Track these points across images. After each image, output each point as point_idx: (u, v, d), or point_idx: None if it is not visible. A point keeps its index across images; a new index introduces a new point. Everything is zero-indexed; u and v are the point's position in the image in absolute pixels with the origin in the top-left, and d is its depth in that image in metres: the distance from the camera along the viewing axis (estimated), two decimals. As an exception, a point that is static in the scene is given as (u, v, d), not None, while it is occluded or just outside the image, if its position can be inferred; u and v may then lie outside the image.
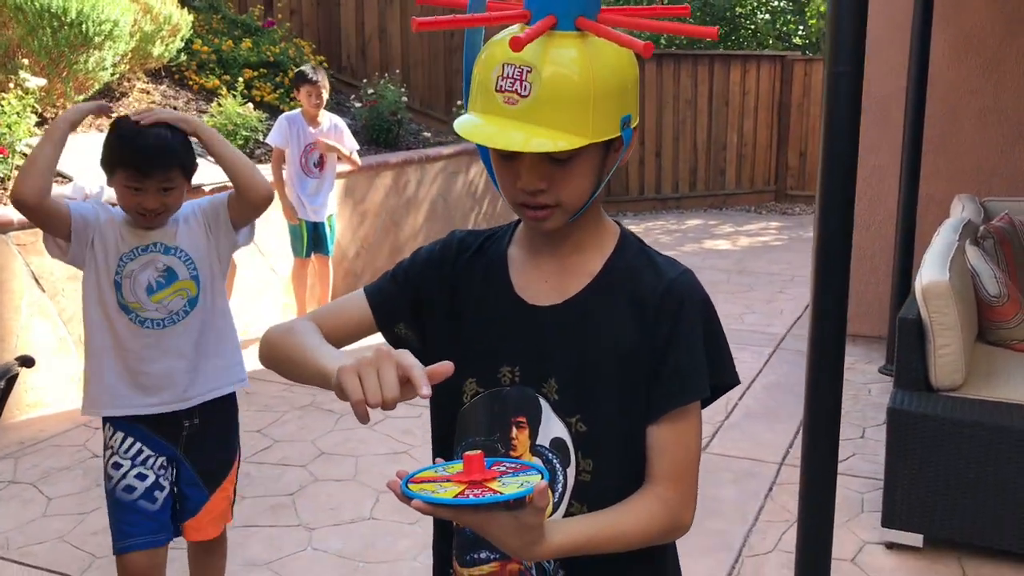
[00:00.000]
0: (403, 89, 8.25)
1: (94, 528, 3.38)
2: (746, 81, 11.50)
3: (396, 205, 7.33)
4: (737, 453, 4.03)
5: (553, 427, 1.26)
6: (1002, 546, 3.08)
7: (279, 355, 1.30)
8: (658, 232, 9.70)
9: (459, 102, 9.66)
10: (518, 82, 1.12)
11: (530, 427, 1.27)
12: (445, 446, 1.32)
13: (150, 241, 2.31)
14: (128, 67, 6.45)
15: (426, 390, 1.03)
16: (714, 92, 11.42)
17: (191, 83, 7.16)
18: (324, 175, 5.64)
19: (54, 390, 4.57)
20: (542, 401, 1.26)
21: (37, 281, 4.45)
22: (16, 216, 4.33)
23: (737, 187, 11.80)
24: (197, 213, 2.38)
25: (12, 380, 2.10)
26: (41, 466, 3.92)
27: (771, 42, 14.88)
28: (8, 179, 4.91)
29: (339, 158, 5.67)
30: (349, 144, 5.72)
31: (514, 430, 1.27)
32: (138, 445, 2.33)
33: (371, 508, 3.57)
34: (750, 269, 7.85)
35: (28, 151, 5.23)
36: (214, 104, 6.62)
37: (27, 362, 2.13)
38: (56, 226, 2.24)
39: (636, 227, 10.08)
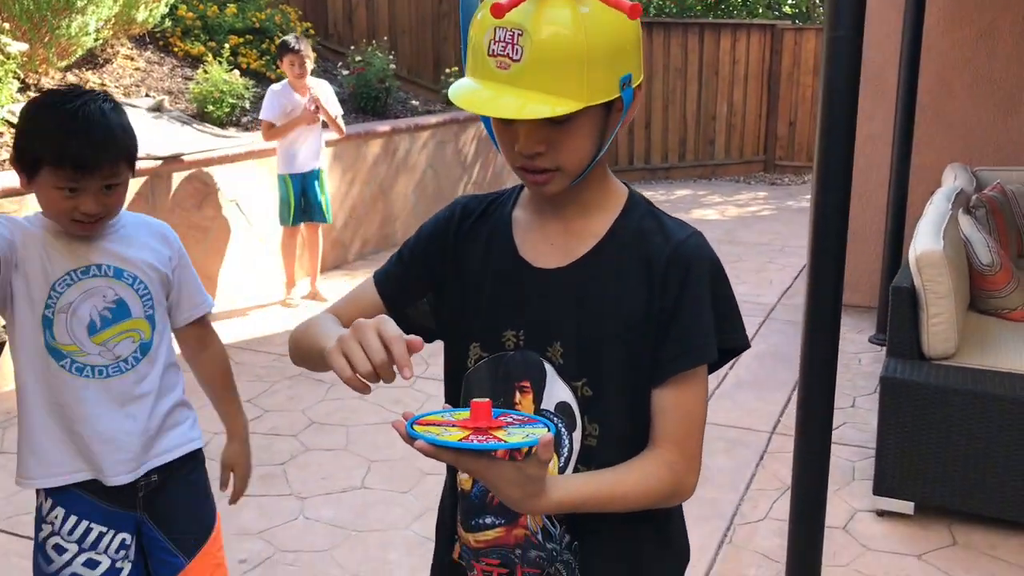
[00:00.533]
0: (391, 56, 8.16)
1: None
2: (736, 50, 11.43)
3: (385, 174, 7.27)
4: (728, 422, 4.04)
5: (558, 391, 1.24)
6: (992, 513, 3.10)
7: (300, 352, 1.30)
8: (647, 202, 9.66)
9: (447, 70, 9.58)
10: (510, 46, 1.09)
11: (534, 392, 1.25)
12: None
13: (92, 261, 1.79)
14: (112, 33, 6.35)
15: (408, 372, 1.01)
16: (704, 61, 11.35)
17: (176, 49, 7.06)
18: (313, 127, 5.57)
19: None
20: (547, 365, 1.25)
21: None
22: (1, 185, 4.27)
23: (726, 157, 11.77)
24: (172, 258, 1.92)
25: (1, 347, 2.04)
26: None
27: (761, 11, 14.79)
28: (-9, 146, 4.83)
29: (324, 123, 5.63)
30: (334, 109, 5.65)
31: (518, 395, 1.26)
32: (84, 524, 1.85)
33: (363, 477, 3.57)
34: (739, 239, 7.84)
35: (11, 118, 5.15)
36: (200, 71, 6.53)
37: (14, 330, 2.08)
38: None
39: (625, 197, 10.05)
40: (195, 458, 2.01)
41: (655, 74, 11.11)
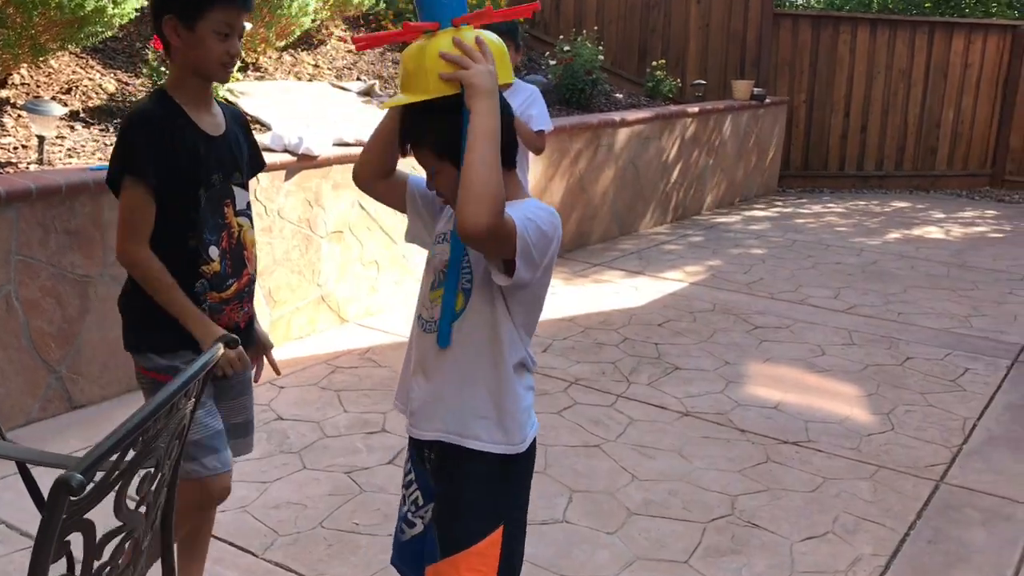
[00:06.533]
0: (600, 47, 7.83)
1: (276, 501, 3.23)
2: (970, 52, 10.43)
3: (586, 169, 6.96)
4: (982, 488, 3.49)
5: None
6: None
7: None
8: (860, 214, 8.93)
9: (653, 63, 9.15)
10: None
11: None
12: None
13: (446, 227, 1.88)
14: (328, 14, 6.33)
15: None
16: (932, 63, 10.42)
17: (387, 33, 7.00)
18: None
19: (241, 343, 4.48)
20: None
21: (232, 232, 4.35)
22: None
23: (948, 169, 10.80)
24: None
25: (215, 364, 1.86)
26: (226, 424, 3.81)
27: (997, 8, 13.49)
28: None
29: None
30: (537, 122, 4.38)
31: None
32: (408, 464, 1.98)
33: (564, 509, 3.27)
34: (971, 263, 7.06)
35: (231, 96, 5.15)
36: (410, 55, 6.40)
37: (231, 343, 1.90)
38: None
39: (836, 206, 9.34)
40: (481, 458, 1.83)
41: (876, 75, 10.29)
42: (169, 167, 2.08)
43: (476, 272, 1.77)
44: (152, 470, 1.66)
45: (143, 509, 1.64)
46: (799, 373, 4.62)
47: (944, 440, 3.89)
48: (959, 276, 6.64)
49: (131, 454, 1.51)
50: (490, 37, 1.69)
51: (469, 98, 1.61)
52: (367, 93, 6.00)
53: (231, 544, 2.96)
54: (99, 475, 1.42)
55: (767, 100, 9.35)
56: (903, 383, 4.52)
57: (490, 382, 1.80)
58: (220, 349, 1.77)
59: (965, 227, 8.60)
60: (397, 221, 5.29)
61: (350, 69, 6.47)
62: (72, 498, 1.35)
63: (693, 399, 4.23)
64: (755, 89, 9.15)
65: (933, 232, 8.29)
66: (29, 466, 2.09)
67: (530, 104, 4.37)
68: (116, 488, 1.50)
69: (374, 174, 1.91)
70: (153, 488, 1.67)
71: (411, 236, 2.00)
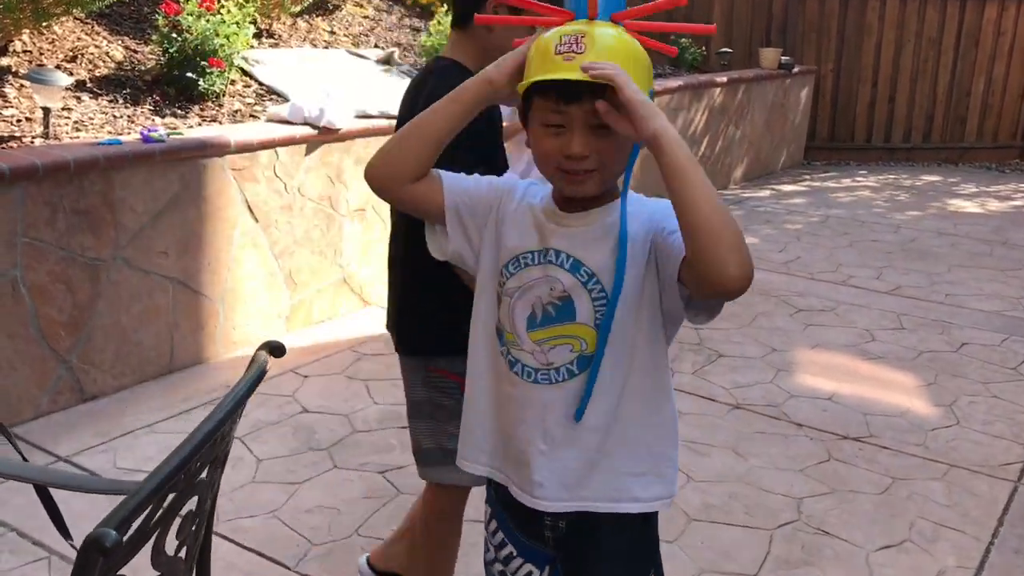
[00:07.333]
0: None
1: (307, 504, 2.99)
2: (1003, 20, 10.05)
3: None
4: (1064, 489, 3.24)
5: None
6: None
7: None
8: (891, 188, 8.63)
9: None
10: (574, 44, 1.37)
11: None
12: None
13: (554, 243, 1.48)
14: (345, -23, 6.01)
15: None
16: (964, 30, 10.05)
17: (406, -2, 6.68)
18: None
19: (261, 328, 4.23)
20: None
21: (251, 210, 4.09)
22: (235, 138, 3.95)
23: (978, 140, 10.45)
24: (646, 226, 1.46)
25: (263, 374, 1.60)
26: (249, 417, 3.56)
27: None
28: (224, 94, 4.56)
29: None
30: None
31: None
32: (500, 534, 1.64)
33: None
34: (1013, 241, 6.77)
35: (245, 65, 4.87)
36: (433, 22, 6.09)
37: (277, 351, 1.64)
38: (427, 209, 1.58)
39: (867, 180, 9.03)
40: (636, 521, 1.55)
41: (905, 43, 9.94)
42: None
43: (631, 301, 1.43)
44: (194, 508, 1.41)
45: (183, 552, 1.40)
46: (850, 360, 4.36)
47: (1014, 436, 3.64)
48: (1003, 255, 6.36)
49: (172, 496, 1.27)
50: (635, 51, 1.42)
51: (650, 141, 1.32)
52: (386, 61, 5.70)
53: (262, 555, 2.72)
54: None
55: (795, 69, 9.01)
56: (962, 371, 4.26)
57: (648, 431, 1.50)
58: (267, 363, 1.52)
59: (1001, 202, 8.30)
60: (422, 198, 5.00)
61: (367, 36, 6.16)
62: (104, 558, 1.10)
63: (742, 390, 3.98)
64: (783, 58, 8.81)
65: (968, 207, 7.99)
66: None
67: None
68: (154, 535, 1.26)
69: (408, 176, 1.50)
70: (194, 528, 1.42)
71: (449, 252, 1.56)
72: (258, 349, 1.70)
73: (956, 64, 10.13)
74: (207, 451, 1.30)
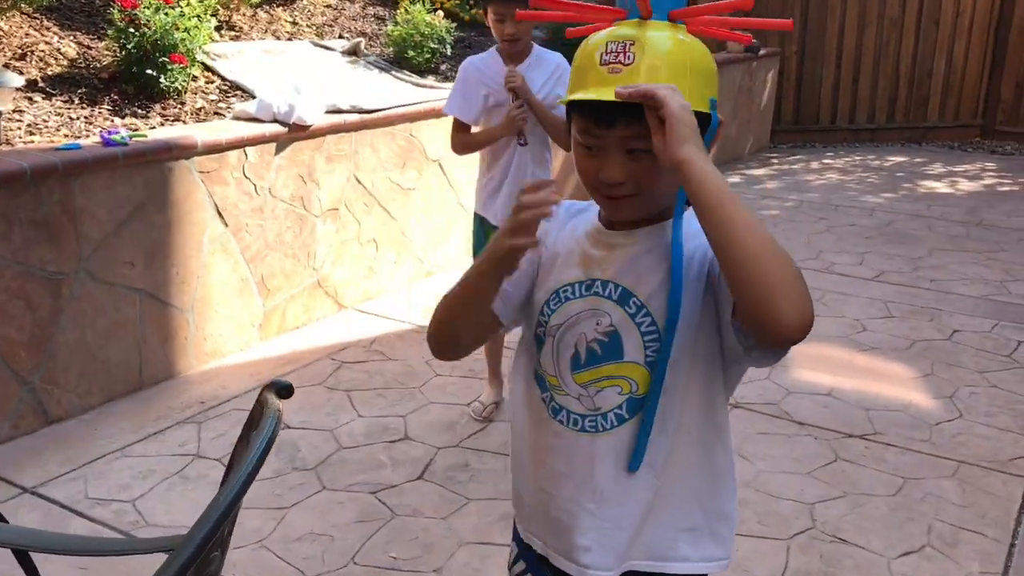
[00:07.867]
0: None
1: (297, 532, 2.80)
2: (962, -2, 10.07)
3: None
4: (1077, 483, 3.16)
5: None
6: None
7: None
8: (860, 170, 8.58)
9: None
10: (621, 53, 1.22)
11: None
12: None
13: (599, 273, 1.32)
14: (306, -35, 5.77)
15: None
16: (924, 9, 10.04)
17: (368, -14, 6.45)
18: (526, 149, 3.31)
19: (234, 338, 4.02)
20: None
21: (220, 214, 3.86)
22: (201, 138, 3.72)
23: (940, 120, 10.47)
24: (704, 246, 1.24)
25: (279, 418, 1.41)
26: (227, 436, 3.36)
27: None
28: (187, 91, 4.32)
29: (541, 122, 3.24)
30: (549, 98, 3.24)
31: None
32: None
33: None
34: (988, 222, 6.74)
35: (207, 60, 4.62)
36: (399, 11, 5.87)
37: (283, 391, 1.46)
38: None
39: (835, 162, 8.99)
40: None
41: (867, 24, 9.90)
42: None
43: (685, 331, 1.26)
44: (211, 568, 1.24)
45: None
46: (844, 352, 4.26)
47: (1020, 428, 3.56)
48: (980, 236, 6.32)
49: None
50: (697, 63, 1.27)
51: (675, 167, 1.16)
52: (353, 52, 5.48)
53: (253, 592, 2.53)
54: None
55: (761, 52, 8.93)
56: (957, 361, 4.18)
57: (702, 483, 1.34)
58: (279, 413, 1.34)
59: (970, 181, 8.29)
60: (395, 195, 4.81)
61: (331, 26, 5.93)
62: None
63: (739, 387, 3.83)
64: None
65: (940, 188, 7.96)
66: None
67: (557, 81, 3.24)
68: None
69: (474, 342, 1.38)
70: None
71: (513, 321, 1.41)
72: (262, 391, 1.52)
73: (918, 44, 10.12)
74: (230, 523, 1.13)
